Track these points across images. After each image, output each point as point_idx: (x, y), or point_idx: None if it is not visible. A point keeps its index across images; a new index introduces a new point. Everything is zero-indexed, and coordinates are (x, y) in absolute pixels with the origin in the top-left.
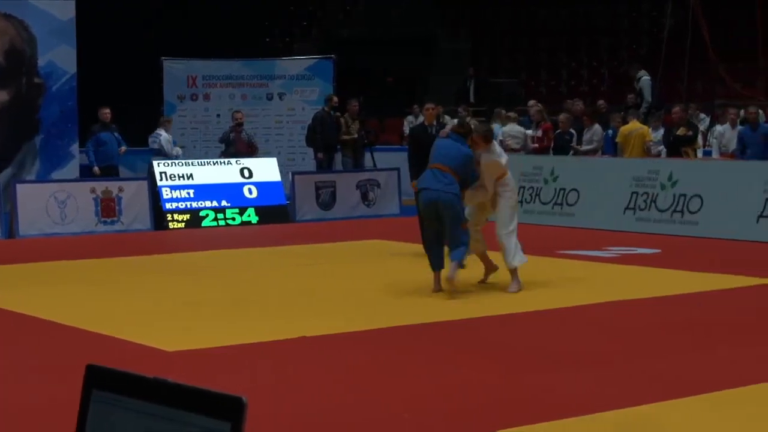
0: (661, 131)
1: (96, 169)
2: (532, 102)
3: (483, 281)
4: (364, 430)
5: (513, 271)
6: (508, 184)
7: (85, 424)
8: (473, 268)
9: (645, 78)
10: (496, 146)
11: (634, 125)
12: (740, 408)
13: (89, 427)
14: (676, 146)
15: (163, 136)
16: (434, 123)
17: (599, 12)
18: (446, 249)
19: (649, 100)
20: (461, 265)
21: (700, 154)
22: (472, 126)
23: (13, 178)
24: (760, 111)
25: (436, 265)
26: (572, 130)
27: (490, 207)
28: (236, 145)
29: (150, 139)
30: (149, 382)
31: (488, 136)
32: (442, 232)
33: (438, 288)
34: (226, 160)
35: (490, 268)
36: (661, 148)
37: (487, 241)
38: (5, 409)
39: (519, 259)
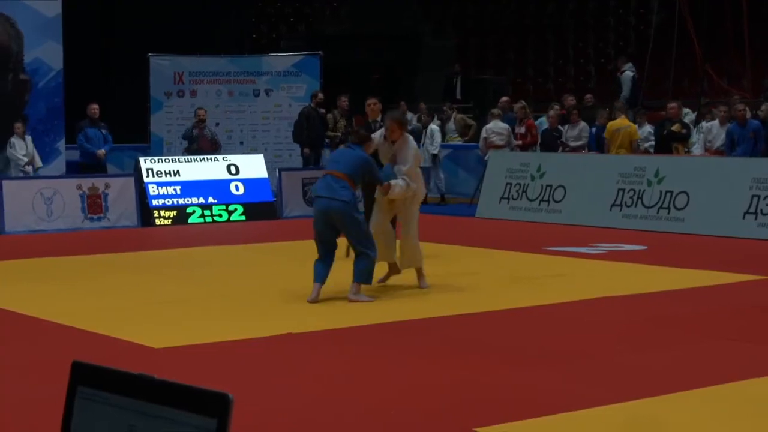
0: (647, 128)
1: (101, 151)
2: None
3: (382, 281)
4: (350, 427)
5: (421, 270)
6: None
7: (71, 420)
8: (440, 265)
9: (627, 73)
10: (409, 137)
11: (622, 122)
12: (727, 403)
13: (75, 423)
14: (669, 142)
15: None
16: (378, 119)
17: (586, 8)
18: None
19: (626, 96)
20: (367, 282)
21: (697, 151)
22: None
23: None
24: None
25: (318, 276)
26: (560, 127)
27: (399, 205)
28: (199, 142)
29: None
30: (135, 378)
31: (404, 122)
32: (333, 242)
33: (314, 298)
34: (213, 157)
35: (394, 271)
36: (650, 144)
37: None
38: None
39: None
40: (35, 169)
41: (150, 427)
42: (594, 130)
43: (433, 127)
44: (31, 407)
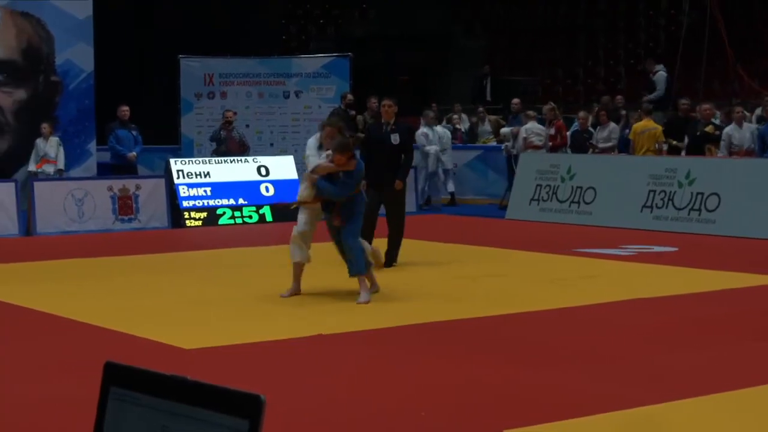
0: None
1: (132, 154)
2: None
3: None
4: (379, 427)
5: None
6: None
7: (104, 420)
8: (470, 267)
9: (661, 73)
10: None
11: (647, 123)
12: (760, 405)
13: (107, 423)
14: (702, 143)
15: None
16: (391, 121)
17: (617, 9)
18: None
19: (660, 94)
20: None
21: (722, 153)
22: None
23: (31, 175)
24: None
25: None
26: (591, 128)
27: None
28: (227, 144)
29: None
30: (167, 379)
31: (342, 128)
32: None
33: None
34: (243, 158)
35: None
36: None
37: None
38: (24, 405)
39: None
40: (57, 171)
41: (183, 427)
42: (627, 131)
43: (439, 129)
44: (63, 407)
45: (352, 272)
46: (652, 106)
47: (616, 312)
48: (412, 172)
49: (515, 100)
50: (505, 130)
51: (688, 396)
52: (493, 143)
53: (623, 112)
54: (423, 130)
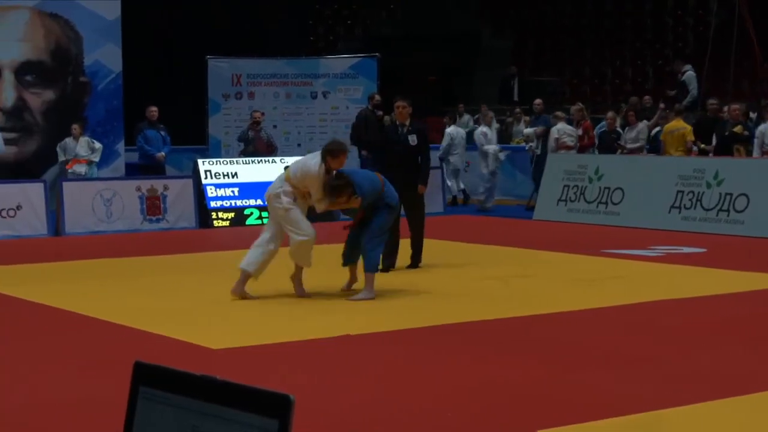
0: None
1: (161, 154)
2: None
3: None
4: (408, 428)
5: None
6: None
7: (133, 420)
8: (498, 268)
9: (689, 73)
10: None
11: (677, 123)
12: None
13: (137, 423)
14: (730, 143)
15: None
16: (406, 123)
17: (644, 9)
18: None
19: (695, 94)
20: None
21: (755, 153)
22: None
23: (60, 176)
24: None
25: None
26: (618, 129)
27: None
28: (255, 144)
29: None
30: (197, 379)
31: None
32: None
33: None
34: (271, 159)
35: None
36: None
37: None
38: (53, 405)
39: None
40: (90, 163)
41: (212, 427)
42: (658, 129)
43: (451, 129)
44: (92, 407)
45: (366, 268)
46: (684, 108)
47: (645, 313)
48: (443, 171)
49: (537, 101)
50: (528, 130)
51: (718, 397)
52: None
53: (664, 110)
54: (482, 129)
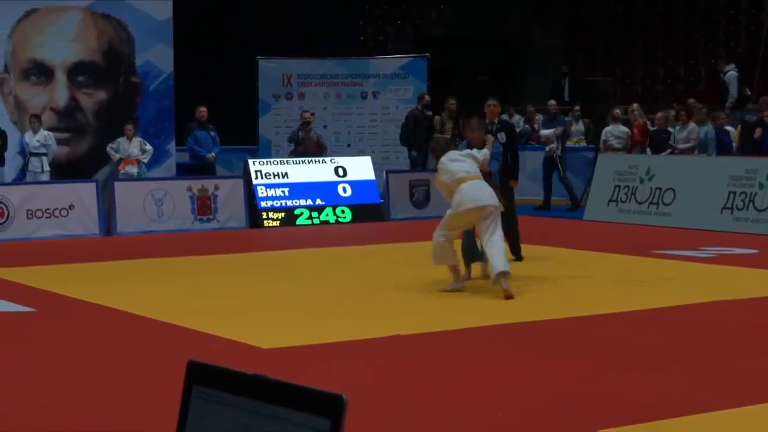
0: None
1: (211, 155)
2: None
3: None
4: (458, 428)
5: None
6: None
7: (187, 419)
8: (548, 268)
9: (731, 73)
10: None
11: None
12: None
13: (190, 421)
14: None
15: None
16: (495, 121)
17: (696, 8)
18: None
19: (734, 95)
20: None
21: None
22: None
23: (111, 175)
24: None
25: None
26: (670, 129)
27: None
28: (305, 144)
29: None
30: (249, 378)
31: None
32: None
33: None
34: (321, 159)
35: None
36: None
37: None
38: (105, 403)
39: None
40: (140, 164)
41: (264, 426)
42: (709, 131)
43: None
44: (145, 405)
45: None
46: (727, 108)
47: (697, 314)
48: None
49: (551, 102)
50: (546, 132)
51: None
52: (583, 144)
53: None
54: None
